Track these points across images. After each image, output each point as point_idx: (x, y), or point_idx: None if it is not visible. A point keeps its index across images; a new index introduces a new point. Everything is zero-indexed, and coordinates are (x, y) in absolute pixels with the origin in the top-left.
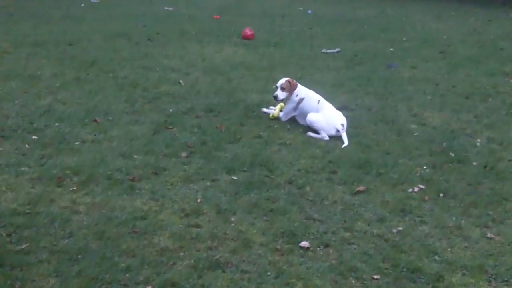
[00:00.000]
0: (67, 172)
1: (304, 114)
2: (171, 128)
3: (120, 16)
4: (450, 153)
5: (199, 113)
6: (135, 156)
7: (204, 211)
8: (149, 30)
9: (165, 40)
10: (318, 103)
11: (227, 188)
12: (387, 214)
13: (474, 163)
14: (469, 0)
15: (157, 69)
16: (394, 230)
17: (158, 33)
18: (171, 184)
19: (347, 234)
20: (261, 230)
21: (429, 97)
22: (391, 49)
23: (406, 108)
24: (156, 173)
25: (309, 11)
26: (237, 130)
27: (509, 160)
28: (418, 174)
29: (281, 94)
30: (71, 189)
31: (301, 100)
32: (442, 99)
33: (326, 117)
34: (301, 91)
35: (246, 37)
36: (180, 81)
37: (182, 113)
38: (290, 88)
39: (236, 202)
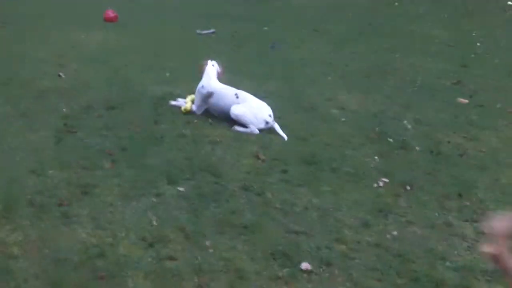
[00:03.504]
0: None
1: (220, 109)
2: (75, 132)
3: None
4: (389, 139)
5: (100, 112)
6: (49, 171)
7: (170, 237)
8: None
9: (19, 26)
10: (237, 96)
11: (179, 204)
12: (368, 217)
13: (417, 148)
14: None
15: (25, 61)
16: (388, 236)
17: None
18: (111, 205)
19: (342, 247)
20: (247, 254)
21: (329, 78)
22: (265, 28)
23: (315, 92)
24: (86, 192)
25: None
26: (154, 129)
27: (448, 142)
28: (372, 166)
29: None
30: None
31: (210, 94)
32: (344, 80)
33: (252, 110)
34: (208, 84)
35: (109, 20)
36: (60, 73)
37: (80, 113)
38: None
39: (199, 220)
